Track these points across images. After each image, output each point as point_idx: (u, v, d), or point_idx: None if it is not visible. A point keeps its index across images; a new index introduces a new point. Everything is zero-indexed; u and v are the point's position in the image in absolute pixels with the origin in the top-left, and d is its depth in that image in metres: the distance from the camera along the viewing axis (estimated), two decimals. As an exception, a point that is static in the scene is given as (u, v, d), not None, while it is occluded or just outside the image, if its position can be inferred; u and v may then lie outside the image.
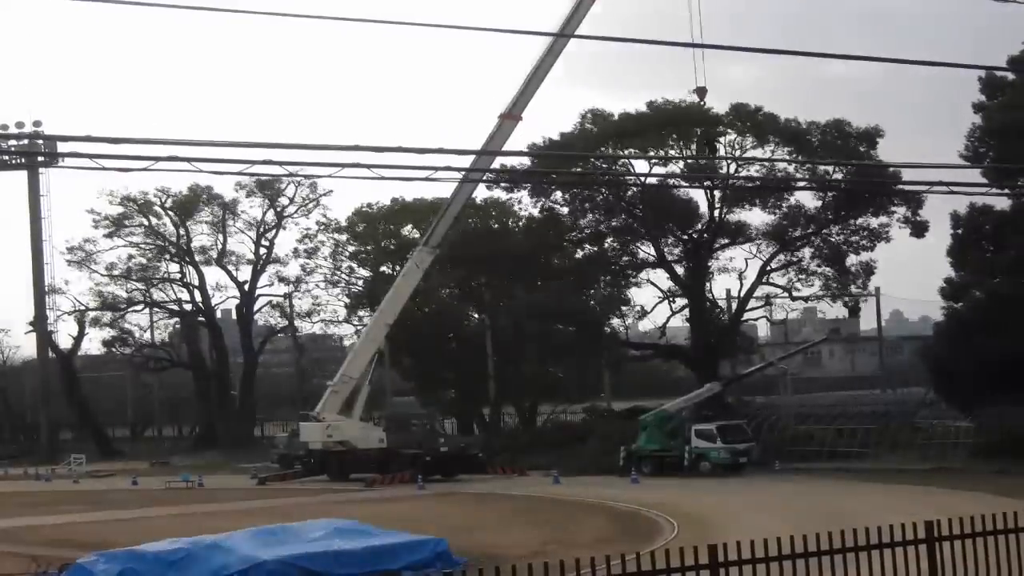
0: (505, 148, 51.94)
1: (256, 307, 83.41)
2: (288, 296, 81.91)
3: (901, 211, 59.30)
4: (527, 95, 51.11)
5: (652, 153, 59.65)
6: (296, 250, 79.62)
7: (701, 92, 48.39)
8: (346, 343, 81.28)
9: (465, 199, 55.33)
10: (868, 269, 62.14)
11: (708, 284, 64.59)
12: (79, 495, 53.10)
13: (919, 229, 59.20)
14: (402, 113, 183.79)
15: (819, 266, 62.50)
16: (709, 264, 63.61)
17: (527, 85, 50.98)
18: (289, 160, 15.84)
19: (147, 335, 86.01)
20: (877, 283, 70.53)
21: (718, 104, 59.58)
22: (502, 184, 61.81)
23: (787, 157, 57.85)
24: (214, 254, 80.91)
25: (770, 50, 17.32)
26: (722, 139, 59.05)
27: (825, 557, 15.36)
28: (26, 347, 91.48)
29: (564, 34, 47.68)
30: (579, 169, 56.87)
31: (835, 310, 72.46)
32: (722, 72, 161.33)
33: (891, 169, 50.21)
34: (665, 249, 63.43)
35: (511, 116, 51.26)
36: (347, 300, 78.03)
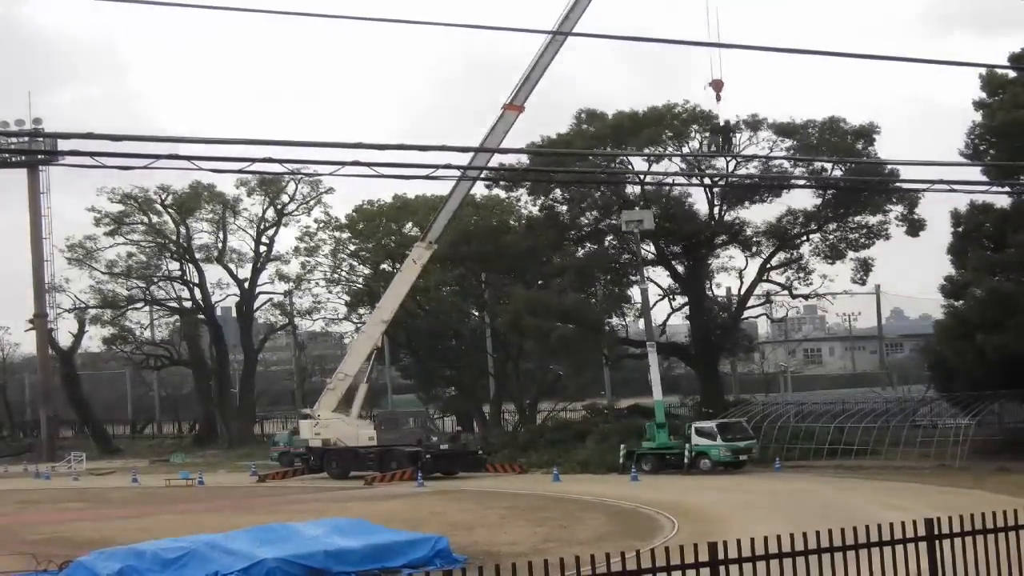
0: (506, 142, 52.42)
1: (256, 305, 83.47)
2: (288, 294, 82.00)
3: (898, 209, 59.31)
4: (529, 85, 51.95)
5: (649, 151, 59.62)
6: (296, 248, 79.71)
7: (717, 85, 48.36)
8: (346, 341, 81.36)
9: (464, 194, 55.48)
10: (867, 266, 62.13)
11: (708, 282, 64.61)
12: (79, 493, 53.13)
13: (915, 227, 59.18)
14: (403, 110, 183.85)
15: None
16: (709, 262, 63.61)
17: (529, 75, 51.64)
18: (290, 158, 15.83)
19: (147, 333, 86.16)
20: (877, 281, 70.63)
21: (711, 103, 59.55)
22: (502, 182, 61.79)
23: (785, 154, 57.92)
24: (214, 252, 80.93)
25: (767, 48, 17.27)
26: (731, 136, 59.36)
27: (825, 555, 15.35)
28: (26, 345, 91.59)
29: (562, 32, 48.00)
30: (578, 167, 56.87)
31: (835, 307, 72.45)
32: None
33: (888, 167, 50.23)
34: (664, 246, 63.34)
35: (513, 107, 51.97)
36: (347, 298, 78.10)
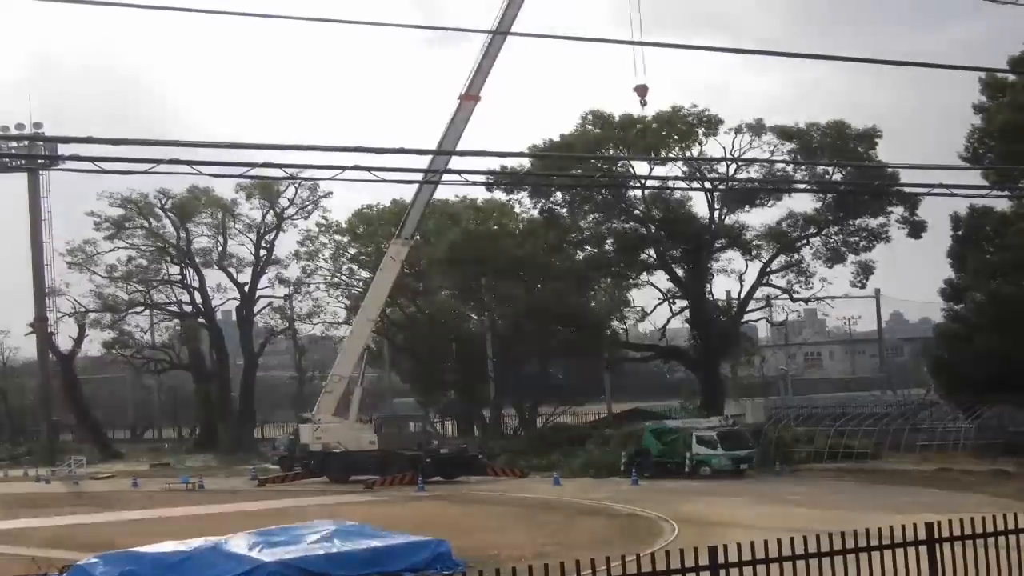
0: (507, 145, 52.41)
1: (256, 309, 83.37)
2: (288, 298, 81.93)
3: (899, 211, 59.37)
4: (481, 75, 51.98)
5: (652, 155, 59.74)
6: (296, 252, 79.61)
7: (642, 90, 48.78)
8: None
9: (434, 188, 55.10)
10: (868, 269, 62.16)
11: (708, 285, 64.63)
12: (79, 497, 53.06)
13: (916, 229, 59.24)
14: (402, 114, 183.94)
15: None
16: (709, 265, 63.62)
17: (480, 65, 51.83)
18: (289, 162, 15.86)
19: (147, 337, 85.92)
20: (877, 285, 70.67)
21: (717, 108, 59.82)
22: (502, 186, 61.82)
23: (787, 158, 58.01)
24: (214, 256, 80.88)
25: (766, 52, 17.30)
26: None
27: (825, 558, 15.37)
28: (26, 349, 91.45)
29: (501, 31, 48.26)
30: (579, 171, 56.91)
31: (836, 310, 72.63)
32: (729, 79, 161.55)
33: (889, 170, 50.30)
34: (664, 249, 63.39)
35: (470, 96, 52.00)
36: (347, 302, 78.01)
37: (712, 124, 60.10)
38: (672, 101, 61.44)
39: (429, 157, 42.55)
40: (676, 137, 60.16)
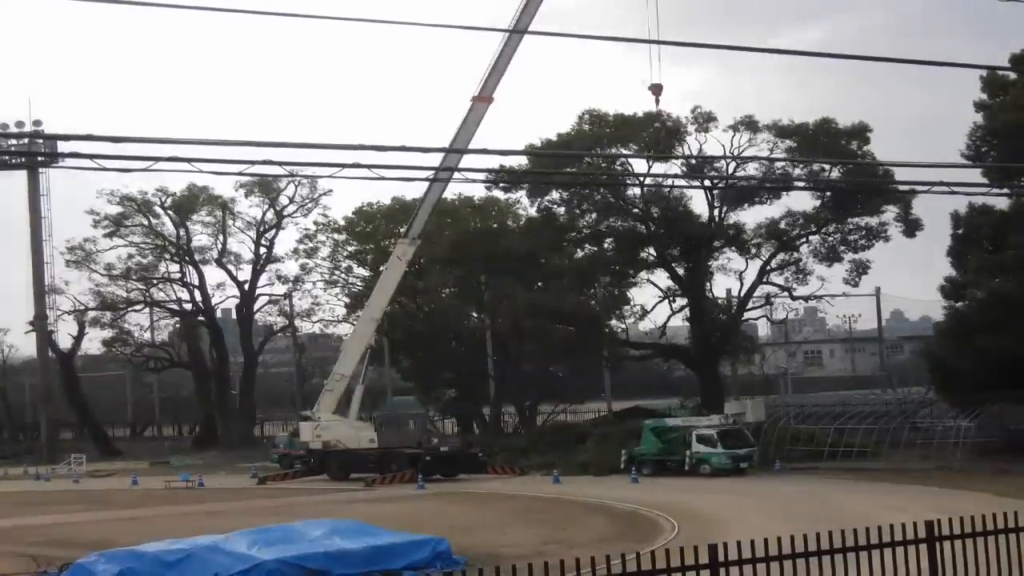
0: (504, 143, 52.26)
1: (256, 307, 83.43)
2: (288, 295, 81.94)
3: (893, 210, 59.34)
4: (495, 76, 51.69)
5: (649, 153, 59.72)
6: (296, 249, 79.68)
7: (656, 89, 48.84)
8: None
9: (443, 189, 54.95)
10: (863, 267, 62.13)
11: (708, 284, 64.59)
12: (79, 495, 53.08)
13: (911, 228, 59.23)
14: (402, 113, 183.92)
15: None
16: (709, 264, 63.59)
17: (495, 66, 51.51)
18: (289, 160, 15.86)
19: (147, 335, 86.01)
20: (877, 283, 70.66)
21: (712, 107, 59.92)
22: (501, 184, 61.78)
23: (785, 156, 58.00)
24: (214, 254, 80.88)
25: (762, 49, 17.28)
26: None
27: (825, 557, 15.36)
28: (26, 347, 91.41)
29: (518, 30, 48.01)
30: (576, 170, 56.91)
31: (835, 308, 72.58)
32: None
33: (886, 168, 50.25)
34: (663, 247, 63.36)
35: (483, 98, 51.75)
36: (346, 299, 78.04)
37: (706, 121, 60.15)
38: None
39: (431, 155, 42.56)
40: (666, 133, 60.12)
